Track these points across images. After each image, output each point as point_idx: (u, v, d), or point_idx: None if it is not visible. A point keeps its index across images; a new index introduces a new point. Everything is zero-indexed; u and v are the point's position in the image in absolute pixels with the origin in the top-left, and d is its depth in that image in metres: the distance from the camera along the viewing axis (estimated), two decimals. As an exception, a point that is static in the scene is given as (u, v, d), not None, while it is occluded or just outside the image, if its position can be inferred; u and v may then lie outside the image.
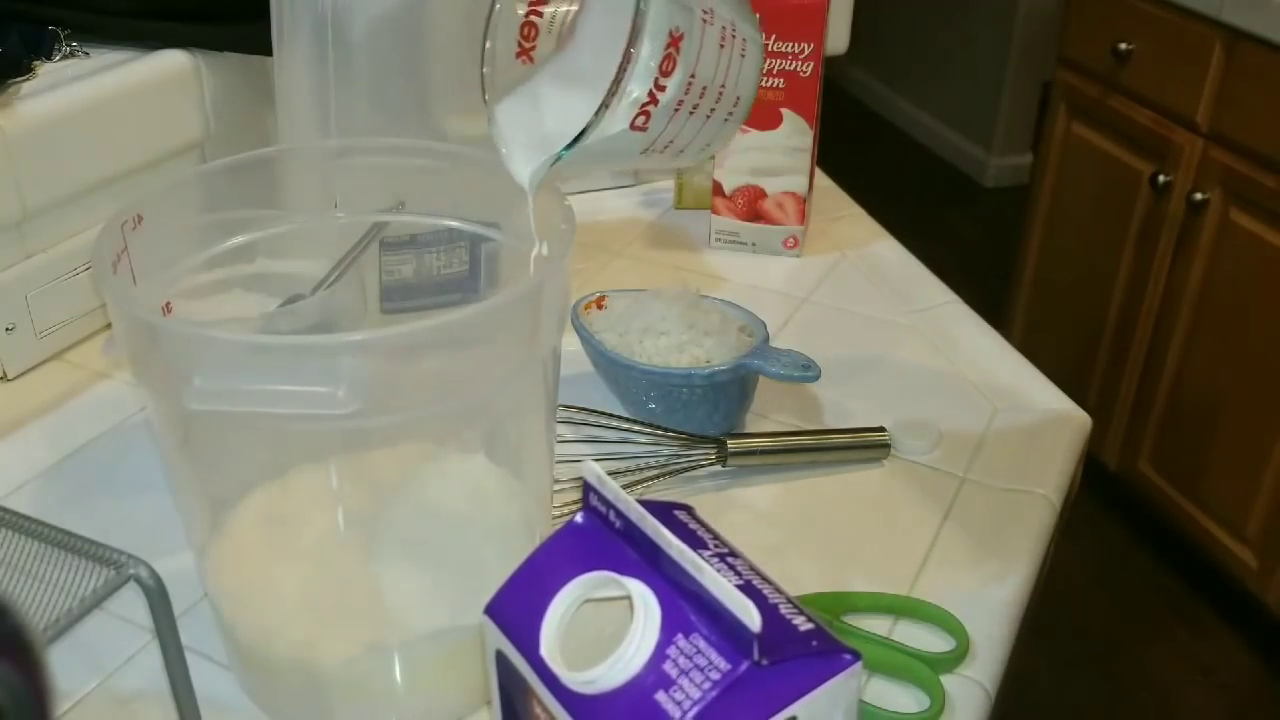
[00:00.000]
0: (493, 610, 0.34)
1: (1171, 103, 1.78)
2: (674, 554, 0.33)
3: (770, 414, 0.77)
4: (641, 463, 0.70)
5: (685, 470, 0.70)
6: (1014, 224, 2.27)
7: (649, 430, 0.71)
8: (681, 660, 0.32)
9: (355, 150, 0.64)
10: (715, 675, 0.31)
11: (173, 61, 0.85)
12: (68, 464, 0.73)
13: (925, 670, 0.57)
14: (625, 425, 0.71)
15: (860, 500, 0.70)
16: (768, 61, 0.90)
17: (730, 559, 0.36)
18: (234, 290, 0.60)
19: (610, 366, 0.74)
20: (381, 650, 0.54)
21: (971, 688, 0.58)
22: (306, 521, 0.56)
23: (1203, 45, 1.70)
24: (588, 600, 0.34)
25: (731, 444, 0.70)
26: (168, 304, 0.56)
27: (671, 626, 0.32)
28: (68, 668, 0.57)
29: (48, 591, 0.45)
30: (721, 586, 0.32)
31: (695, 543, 0.36)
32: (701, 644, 0.32)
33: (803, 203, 0.95)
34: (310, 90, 0.73)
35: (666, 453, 0.71)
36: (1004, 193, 3.20)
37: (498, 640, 0.35)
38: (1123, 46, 1.85)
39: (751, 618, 0.31)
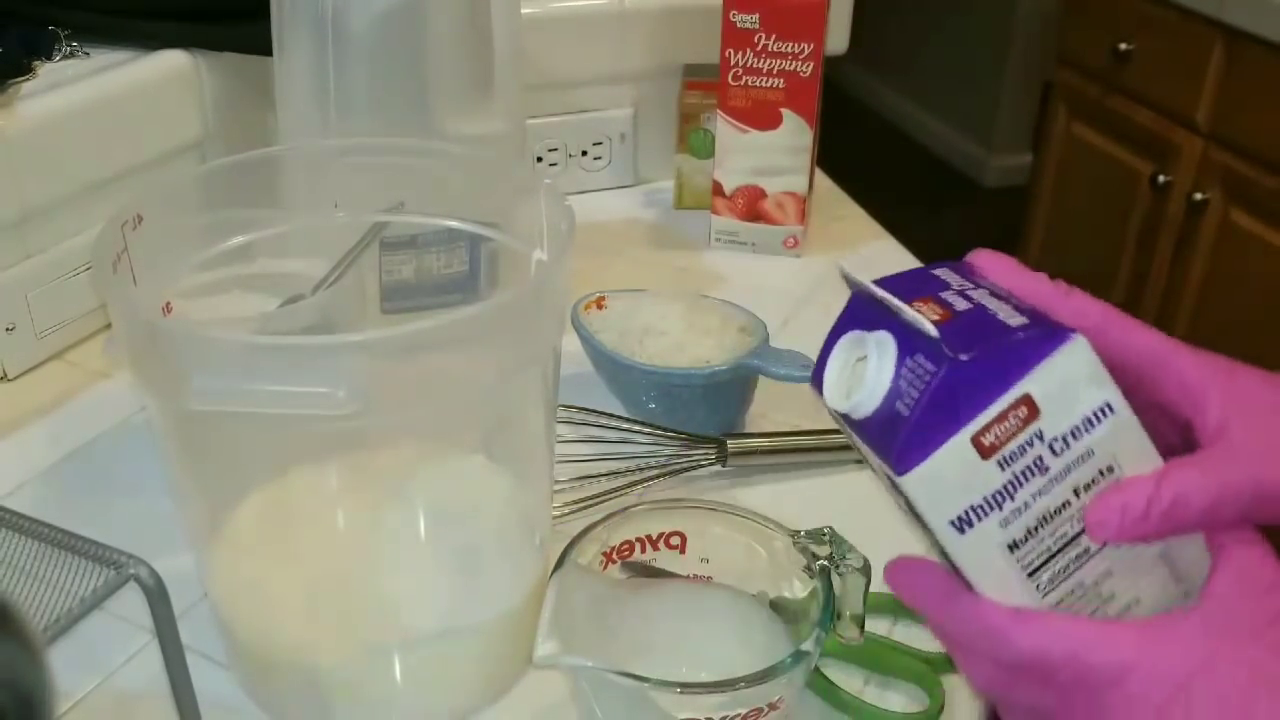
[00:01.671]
0: (814, 381, 0.43)
1: (1171, 103, 1.78)
2: (882, 297, 0.41)
3: (770, 414, 0.76)
4: (641, 463, 0.70)
5: (685, 470, 0.70)
6: (1014, 224, 2.27)
7: (649, 430, 0.71)
8: (909, 376, 0.39)
9: (355, 150, 0.64)
10: (926, 377, 0.38)
11: (173, 61, 0.85)
12: (68, 464, 0.73)
13: (925, 670, 0.57)
14: (625, 425, 0.71)
15: (860, 500, 0.70)
16: (768, 61, 0.90)
17: (969, 291, 0.41)
18: (234, 290, 0.60)
19: (610, 366, 0.74)
20: (381, 650, 0.54)
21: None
22: (306, 521, 0.56)
23: (1203, 45, 1.70)
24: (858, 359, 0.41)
25: (731, 444, 0.70)
26: (168, 304, 0.56)
27: (903, 354, 0.39)
28: (68, 668, 0.57)
29: (48, 591, 0.44)
30: (903, 310, 0.39)
31: (938, 286, 0.42)
32: (922, 360, 0.39)
33: (803, 203, 0.95)
34: (310, 90, 0.73)
35: (666, 453, 0.71)
36: (1004, 193, 3.19)
37: (823, 402, 0.42)
38: (1123, 46, 1.85)
39: (926, 327, 0.38)
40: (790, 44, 0.89)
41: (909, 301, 0.40)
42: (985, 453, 0.39)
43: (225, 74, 0.87)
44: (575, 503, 0.66)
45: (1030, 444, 0.39)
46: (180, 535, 0.58)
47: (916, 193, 3.24)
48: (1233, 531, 0.40)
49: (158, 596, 0.46)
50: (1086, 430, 0.39)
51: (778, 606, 0.56)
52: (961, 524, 0.40)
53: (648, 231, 1.02)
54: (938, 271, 0.44)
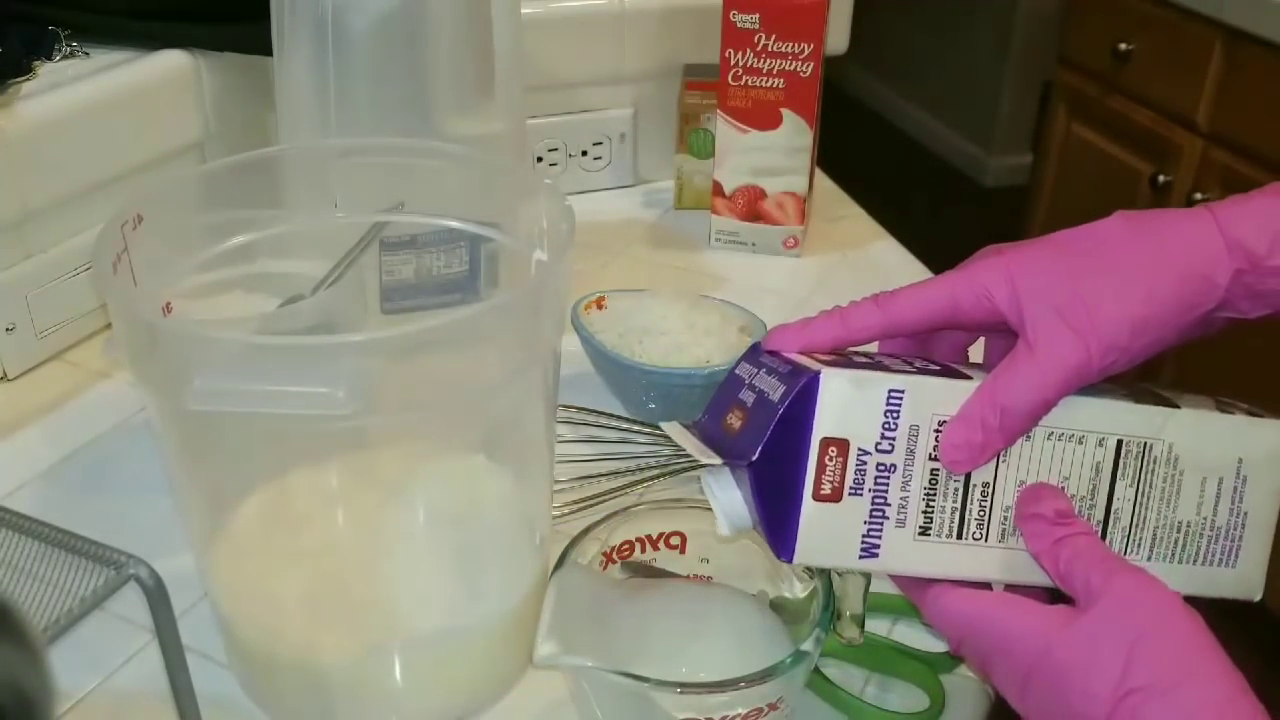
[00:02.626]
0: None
1: (1171, 103, 1.78)
2: (685, 448, 0.47)
3: (770, 414, 0.76)
4: (641, 463, 0.70)
5: (685, 470, 0.70)
6: (1014, 224, 2.27)
7: (649, 430, 0.71)
8: (743, 492, 0.46)
9: (355, 150, 0.64)
10: (747, 487, 0.45)
11: (173, 61, 0.85)
12: (68, 464, 0.73)
13: (925, 670, 0.57)
14: (625, 425, 0.71)
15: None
16: (768, 62, 0.90)
17: (755, 380, 0.46)
18: (234, 290, 0.60)
19: (610, 366, 0.74)
20: (381, 650, 0.54)
21: (971, 688, 0.58)
22: (306, 521, 0.56)
23: (1203, 45, 1.70)
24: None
25: (731, 444, 0.70)
26: (168, 304, 0.56)
27: (737, 477, 0.47)
28: (68, 668, 0.57)
29: (48, 591, 0.44)
30: (696, 457, 0.46)
31: (738, 388, 0.47)
32: (740, 475, 0.46)
33: (803, 203, 0.95)
34: (310, 90, 0.73)
35: (667, 452, 0.71)
36: (1004, 193, 3.19)
37: None
38: (1123, 46, 1.85)
39: (710, 461, 0.45)
40: (790, 44, 0.89)
41: (723, 416, 0.47)
42: (834, 497, 0.44)
43: (225, 74, 0.87)
44: (575, 503, 0.66)
45: (863, 463, 0.44)
46: (180, 535, 0.58)
47: (916, 193, 3.24)
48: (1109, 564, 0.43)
49: (158, 596, 0.46)
50: (894, 420, 0.44)
51: (778, 606, 0.56)
52: (869, 551, 0.45)
53: (648, 231, 1.02)
54: (740, 370, 0.48)
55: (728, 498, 0.46)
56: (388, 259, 0.68)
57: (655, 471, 0.69)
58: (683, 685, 0.48)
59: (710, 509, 0.57)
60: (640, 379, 0.73)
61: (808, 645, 0.50)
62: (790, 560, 0.44)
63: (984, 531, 0.45)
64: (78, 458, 0.73)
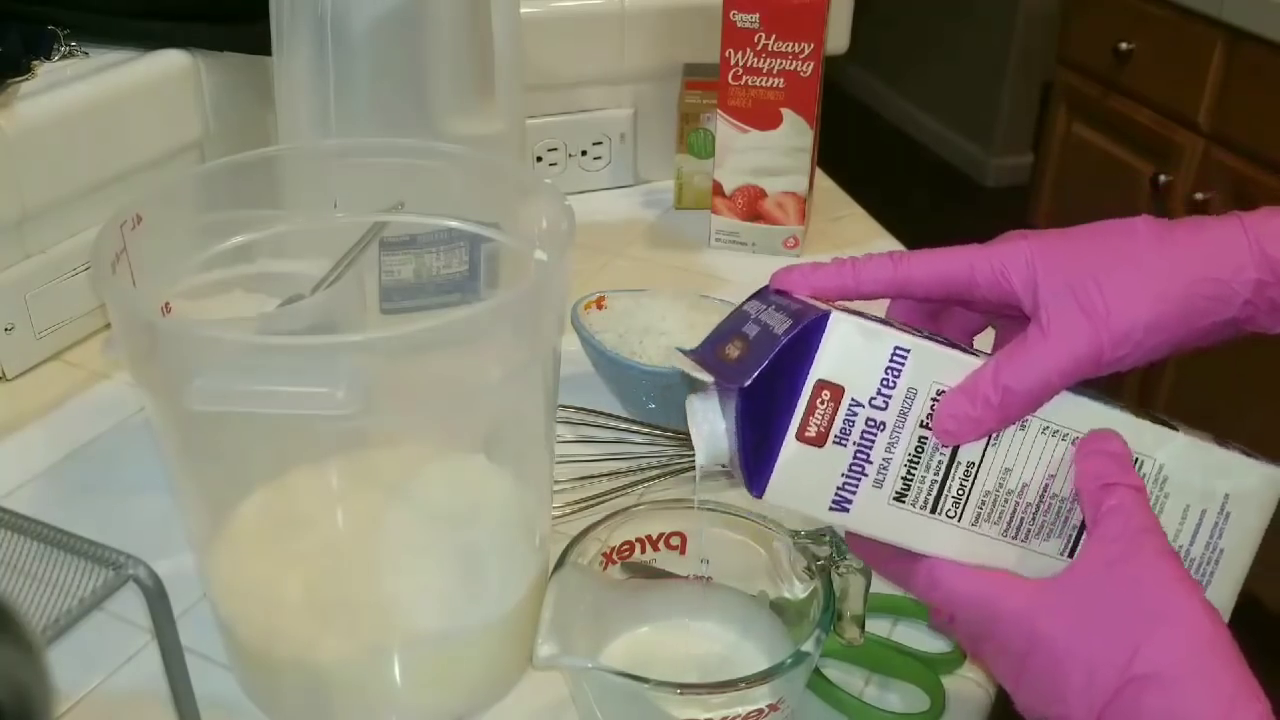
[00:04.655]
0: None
1: (1172, 103, 1.78)
2: (682, 366, 0.47)
3: (770, 414, 0.76)
4: (642, 463, 0.70)
5: (685, 470, 0.70)
6: (1014, 224, 2.26)
7: (649, 430, 0.71)
8: (728, 418, 0.44)
9: (355, 150, 0.64)
10: (733, 412, 0.43)
11: (173, 61, 0.85)
12: (68, 464, 0.72)
13: (925, 670, 0.57)
14: (625, 425, 0.71)
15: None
16: (768, 61, 0.90)
17: (761, 315, 0.46)
18: (234, 290, 0.60)
19: (610, 366, 0.74)
20: (381, 650, 0.54)
21: (971, 688, 0.58)
22: (306, 521, 0.56)
23: (1203, 45, 1.70)
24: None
25: (731, 444, 0.70)
26: (168, 304, 0.56)
27: (723, 403, 0.45)
28: (68, 668, 0.57)
29: (48, 591, 0.44)
30: (692, 371, 0.46)
31: (742, 322, 0.47)
32: (728, 400, 0.44)
33: (803, 203, 0.95)
34: (310, 90, 0.73)
35: (667, 453, 0.71)
36: (1004, 193, 3.19)
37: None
38: (1123, 46, 1.85)
39: (703, 378, 0.45)
40: (790, 44, 0.89)
41: (723, 345, 0.45)
42: (818, 441, 0.43)
43: (225, 74, 0.87)
44: (575, 503, 0.66)
45: (852, 414, 0.43)
46: (180, 535, 0.58)
47: (917, 193, 3.24)
48: (1106, 490, 0.43)
49: (157, 596, 0.45)
50: (896, 375, 0.43)
51: (778, 607, 0.56)
52: (840, 505, 0.44)
53: (648, 231, 1.02)
54: (748, 306, 0.48)
55: (710, 427, 0.45)
56: (388, 259, 0.68)
57: (655, 471, 0.69)
58: (683, 685, 0.48)
59: (709, 507, 0.57)
60: (640, 379, 0.73)
61: (808, 645, 0.50)
62: (759, 495, 0.43)
63: (959, 510, 0.44)
64: (77, 458, 0.73)
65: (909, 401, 0.43)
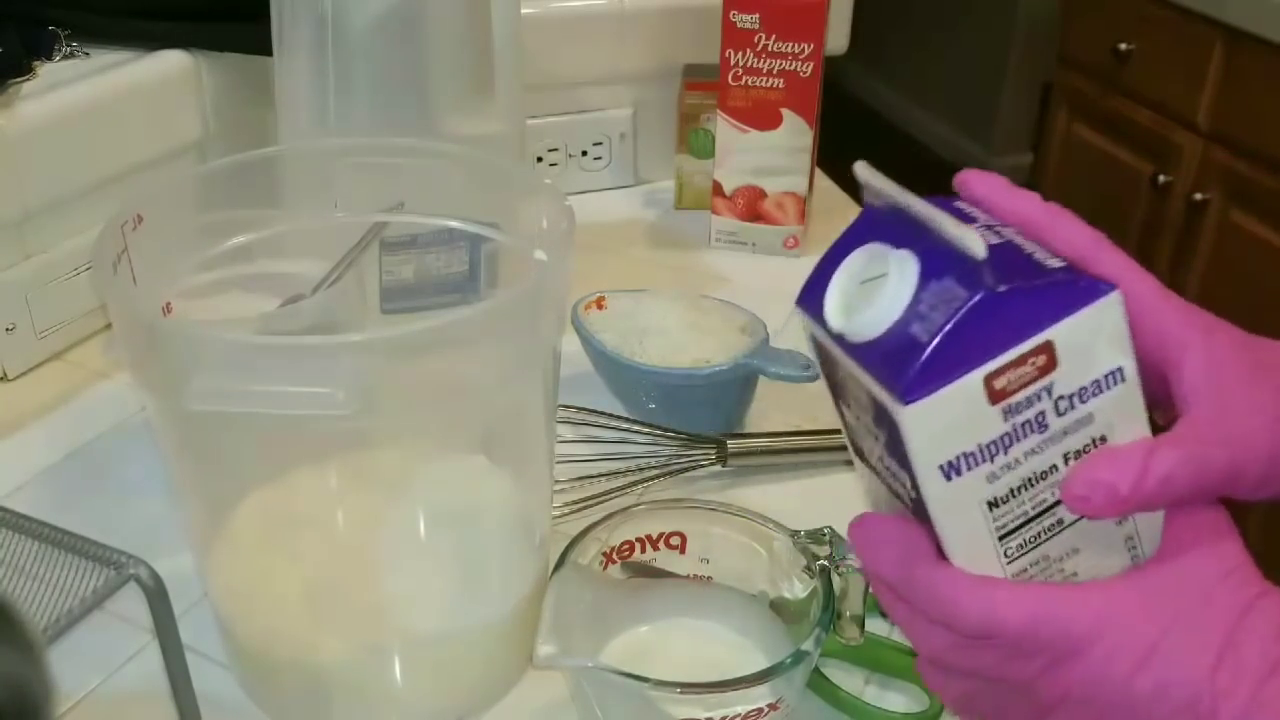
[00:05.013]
0: (801, 301, 0.39)
1: (1172, 103, 1.78)
2: (915, 209, 0.37)
3: (770, 414, 0.76)
4: (641, 463, 0.70)
5: (685, 470, 0.70)
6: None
7: (649, 430, 0.71)
8: (932, 300, 0.36)
9: (355, 150, 0.64)
10: (955, 303, 0.35)
11: (173, 61, 0.85)
12: (68, 464, 0.73)
13: (925, 670, 0.57)
14: (625, 425, 0.71)
15: (860, 500, 0.70)
16: (768, 62, 0.90)
17: (998, 228, 0.39)
18: (234, 290, 0.60)
19: (610, 366, 0.74)
20: (381, 650, 0.54)
21: (971, 688, 0.58)
22: (306, 521, 0.56)
23: (1203, 45, 1.70)
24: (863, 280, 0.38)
25: (731, 444, 0.70)
26: (168, 304, 0.56)
27: (926, 276, 0.36)
28: (68, 668, 0.57)
29: (48, 591, 0.45)
30: (945, 226, 0.35)
31: (965, 218, 0.39)
32: (952, 285, 0.36)
33: (803, 203, 0.95)
34: (310, 90, 0.73)
35: (666, 453, 0.71)
36: (1004, 193, 3.19)
37: (807, 325, 0.40)
38: (1123, 46, 1.85)
39: (974, 246, 0.35)
40: (790, 44, 0.89)
41: (954, 217, 0.36)
42: (994, 397, 0.36)
43: (225, 74, 0.87)
44: (575, 503, 0.66)
45: (1039, 397, 0.37)
46: (180, 535, 0.58)
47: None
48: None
49: (158, 596, 0.46)
50: (1095, 393, 0.37)
51: (778, 606, 0.56)
52: (950, 470, 0.37)
53: (648, 231, 1.02)
54: (958, 204, 0.41)
55: (898, 290, 0.36)
56: (388, 259, 0.68)
57: (655, 471, 0.69)
58: (683, 685, 0.48)
59: (709, 507, 0.57)
60: (640, 379, 0.73)
61: (808, 645, 0.50)
62: (908, 401, 0.35)
63: (1018, 555, 0.39)
64: (78, 458, 0.73)
65: (1080, 426, 0.37)
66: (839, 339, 0.38)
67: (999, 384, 0.36)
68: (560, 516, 0.65)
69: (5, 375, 0.80)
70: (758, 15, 0.88)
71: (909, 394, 0.35)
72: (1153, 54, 1.81)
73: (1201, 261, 1.75)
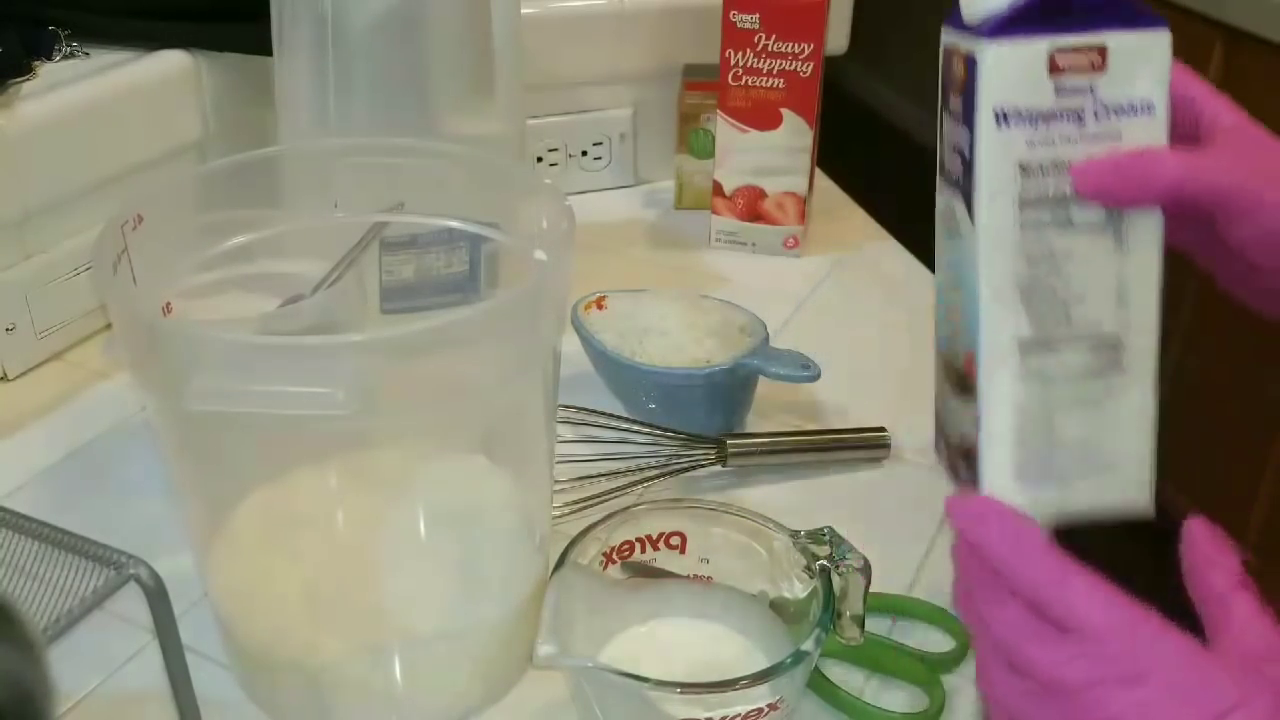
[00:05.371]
0: (945, 23, 0.46)
1: (1171, 103, 1.78)
2: None
3: (770, 414, 0.76)
4: (641, 463, 0.70)
5: (685, 470, 0.70)
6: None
7: (649, 430, 0.71)
8: None
9: (355, 150, 0.64)
10: None
11: (173, 61, 0.85)
12: (68, 464, 0.73)
13: (925, 670, 0.57)
14: (625, 425, 0.71)
15: (860, 500, 0.70)
16: (768, 62, 0.90)
17: None
18: (234, 290, 0.60)
19: (610, 366, 0.74)
20: (381, 650, 0.54)
21: (971, 688, 0.58)
22: (306, 521, 0.56)
23: (1203, 45, 1.70)
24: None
25: (731, 444, 0.70)
26: (168, 304, 0.56)
27: None
28: (68, 668, 0.57)
29: (48, 591, 0.45)
30: None
31: None
32: None
33: (803, 203, 0.95)
34: (310, 90, 0.73)
35: (666, 453, 0.71)
36: (1004, 193, 3.19)
37: (945, 39, 0.46)
38: (1123, 46, 1.85)
39: None
40: (790, 44, 0.89)
41: None
42: (1053, 70, 0.43)
43: (225, 74, 0.87)
44: (575, 503, 0.66)
45: (1084, 90, 0.44)
46: (180, 535, 0.58)
47: (917, 193, 3.24)
48: (1232, 583, 0.42)
49: (158, 596, 0.46)
50: (1128, 113, 0.44)
51: (778, 606, 0.56)
52: (1001, 118, 0.43)
53: (648, 231, 1.02)
54: None
55: None
56: (388, 259, 0.68)
57: (655, 471, 0.69)
58: (683, 685, 0.48)
59: (709, 507, 0.57)
60: (640, 379, 0.73)
61: (808, 645, 0.50)
62: (988, 36, 0.43)
63: (1033, 242, 0.45)
64: (77, 458, 0.73)
65: (1107, 138, 0.44)
66: (963, 29, 0.45)
67: (1061, 61, 0.43)
68: (560, 516, 0.65)
69: (5, 375, 0.80)
70: (758, 15, 0.88)
71: (991, 34, 0.43)
72: (1153, 54, 1.81)
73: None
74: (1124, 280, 0.46)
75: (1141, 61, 0.45)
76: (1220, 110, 0.47)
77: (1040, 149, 0.44)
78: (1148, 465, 0.47)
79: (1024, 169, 0.44)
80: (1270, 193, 0.45)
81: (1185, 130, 0.46)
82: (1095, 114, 0.44)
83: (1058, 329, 0.45)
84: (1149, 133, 0.45)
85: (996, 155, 0.44)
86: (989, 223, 0.44)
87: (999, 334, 0.45)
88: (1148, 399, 0.46)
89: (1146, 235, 0.45)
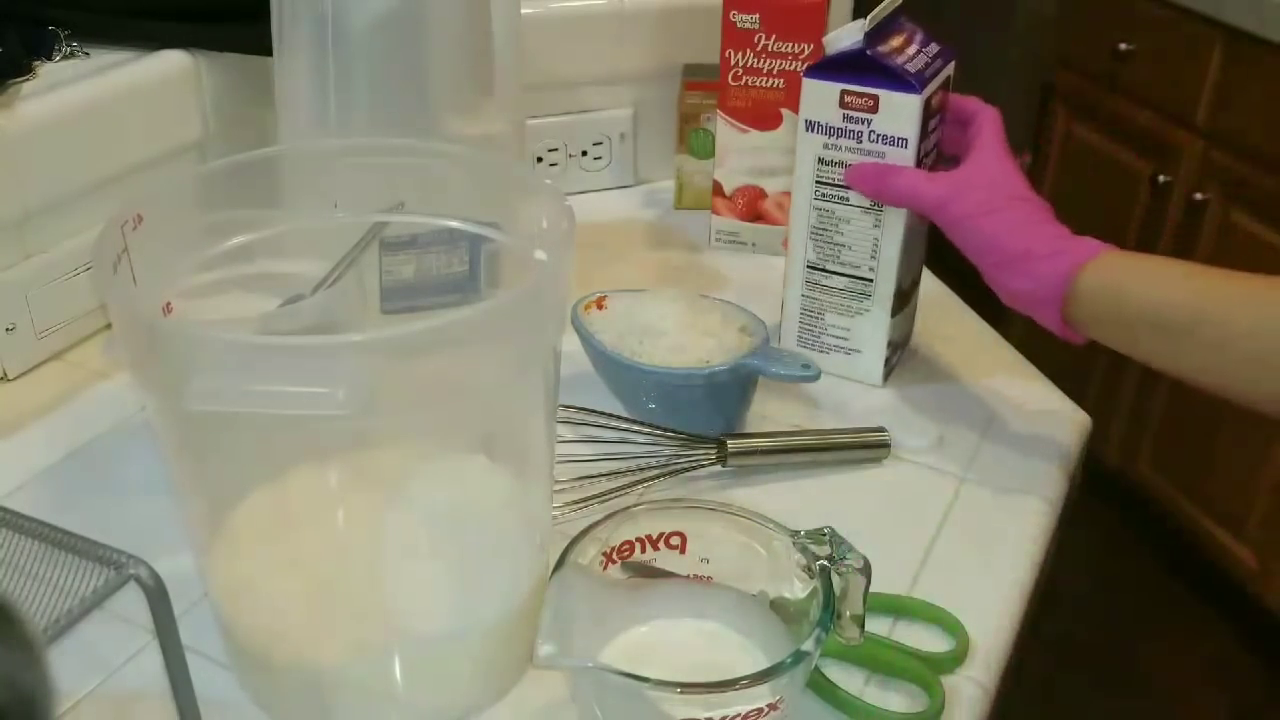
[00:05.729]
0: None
1: (1171, 103, 1.78)
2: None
3: (770, 414, 0.77)
4: (641, 463, 0.70)
5: (685, 470, 0.70)
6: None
7: (649, 430, 0.71)
8: (850, 49, 0.73)
9: (355, 150, 0.64)
10: (854, 48, 0.72)
11: (173, 61, 0.85)
12: (68, 464, 0.73)
13: (925, 670, 0.57)
14: (625, 425, 0.71)
15: (860, 500, 0.70)
16: (768, 62, 0.90)
17: (926, 51, 0.79)
18: (234, 290, 0.60)
19: (610, 366, 0.74)
20: (381, 650, 0.54)
21: (971, 688, 0.58)
22: (306, 521, 0.56)
23: (1203, 45, 1.70)
24: None
25: (731, 444, 0.70)
26: (168, 304, 0.56)
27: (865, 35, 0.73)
28: (68, 668, 0.57)
29: (48, 591, 0.44)
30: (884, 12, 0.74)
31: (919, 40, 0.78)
32: (859, 45, 0.72)
33: (803, 203, 0.95)
34: (310, 90, 0.73)
35: (666, 453, 0.71)
36: (1004, 193, 3.19)
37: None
38: (1123, 47, 1.85)
39: (858, 34, 0.72)
40: (790, 44, 0.89)
41: (889, 34, 0.75)
42: (843, 103, 0.72)
43: (225, 74, 0.87)
44: (575, 503, 0.66)
45: (863, 122, 0.72)
46: (180, 535, 0.58)
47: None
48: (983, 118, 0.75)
49: (158, 596, 0.46)
50: (889, 142, 0.72)
51: (778, 606, 0.56)
52: (810, 126, 0.74)
53: (648, 231, 1.02)
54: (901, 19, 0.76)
55: (845, 35, 0.72)
56: (388, 259, 0.68)
57: (655, 471, 0.69)
58: (683, 685, 0.48)
59: (709, 507, 0.57)
60: (640, 379, 0.73)
61: (808, 645, 0.50)
62: (805, 75, 0.73)
63: (819, 201, 0.77)
64: (77, 458, 0.73)
65: (875, 156, 0.73)
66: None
67: (847, 99, 0.72)
68: (560, 516, 0.65)
69: (5, 375, 0.80)
70: (758, 15, 0.88)
71: (809, 73, 0.73)
72: (1152, 54, 1.81)
73: (1200, 261, 1.75)
74: (878, 242, 0.75)
75: (901, 110, 0.71)
76: (982, 129, 0.74)
77: (831, 151, 0.74)
78: (880, 359, 0.78)
79: (821, 161, 0.75)
80: (954, 205, 0.70)
81: (966, 141, 0.74)
82: (869, 137, 0.72)
83: (830, 264, 0.77)
84: (901, 157, 0.72)
85: (805, 149, 0.75)
86: (800, 191, 0.76)
87: (797, 257, 0.78)
88: (883, 319, 0.77)
89: (895, 218, 0.74)
